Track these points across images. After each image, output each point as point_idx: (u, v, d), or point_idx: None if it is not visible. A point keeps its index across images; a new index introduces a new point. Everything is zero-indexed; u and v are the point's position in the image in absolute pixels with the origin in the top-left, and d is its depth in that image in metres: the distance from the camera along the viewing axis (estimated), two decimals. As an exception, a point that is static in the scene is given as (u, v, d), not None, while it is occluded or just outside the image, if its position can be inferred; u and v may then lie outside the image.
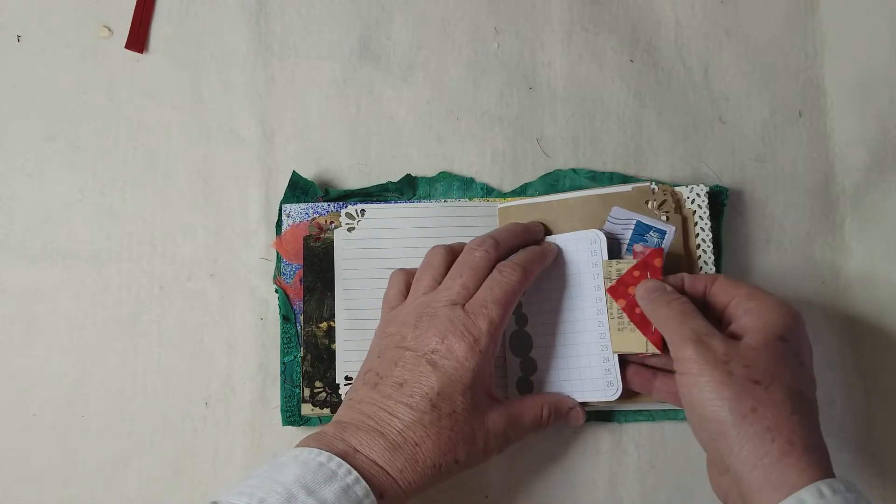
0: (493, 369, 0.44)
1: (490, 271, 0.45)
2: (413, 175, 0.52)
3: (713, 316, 0.44)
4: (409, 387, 0.42)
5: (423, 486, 0.41)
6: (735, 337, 0.41)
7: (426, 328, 0.43)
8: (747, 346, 0.40)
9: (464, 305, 0.43)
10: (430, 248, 0.47)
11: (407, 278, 0.47)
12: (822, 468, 0.37)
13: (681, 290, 0.45)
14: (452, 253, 0.47)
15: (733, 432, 0.38)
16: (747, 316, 0.42)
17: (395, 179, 0.52)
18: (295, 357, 0.50)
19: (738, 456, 0.38)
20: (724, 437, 0.38)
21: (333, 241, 0.50)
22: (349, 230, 0.50)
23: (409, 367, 0.42)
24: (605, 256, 0.47)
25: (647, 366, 0.47)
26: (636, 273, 0.46)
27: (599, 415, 0.50)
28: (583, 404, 0.48)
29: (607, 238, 0.47)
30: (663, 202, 0.49)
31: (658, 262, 0.46)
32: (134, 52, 0.52)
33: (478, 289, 0.44)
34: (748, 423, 0.38)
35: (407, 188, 0.52)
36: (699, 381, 0.39)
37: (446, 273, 0.46)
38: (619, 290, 0.46)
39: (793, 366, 0.40)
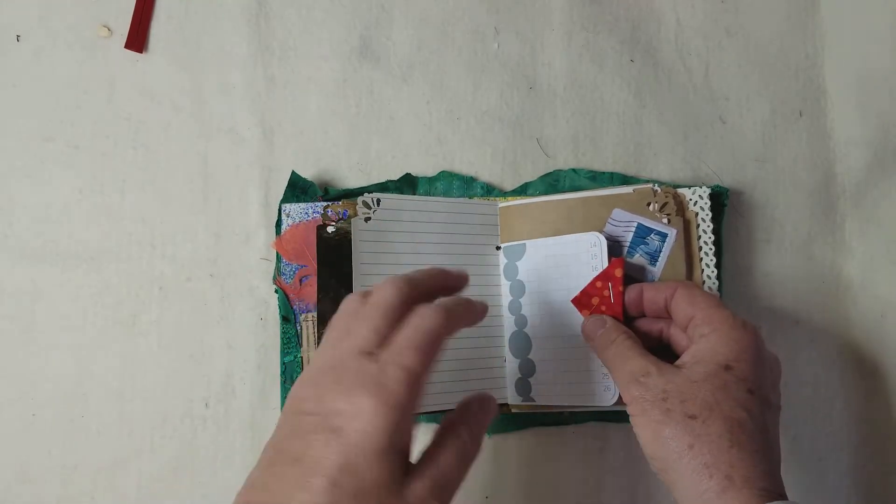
0: (412, 427, 0.35)
1: (406, 312, 0.37)
2: (413, 175, 0.52)
3: (678, 328, 0.44)
4: (306, 463, 0.33)
5: None
6: (685, 365, 0.41)
7: (328, 386, 0.35)
8: (686, 380, 0.40)
9: (375, 354, 0.35)
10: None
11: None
12: (766, 498, 0.36)
13: (638, 301, 0.45)
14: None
15: (673, 469, 0.38)
16: (698, 343, 0.41)
17: (395, 179, 0.52)
18: (295, 357, 0.50)
19: (681, 492, 0.38)
20: (668, 474, 0.39)
21: (350, 231, 0.48)
22: (366, 220, 0.48)
23: (306, 437, 0.34)
24: (606, 259, 0.47)
25: None
26: (598, 284, 0.46)
27: (599, 415, 0.50)
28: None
29: (608, 240, 0.47)
30: (665, 204, 0.48)
31: (619, 273, 0.46)
32: (134, 52, 0.52)
33: (393, 334, 0.37)
34: (686, 461, 0.38)
35: (406, 187, 0.52)
36: (640, 420, 0.40)
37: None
38: (582, 300, 0.47)
39: (736, 395, 0.39)
